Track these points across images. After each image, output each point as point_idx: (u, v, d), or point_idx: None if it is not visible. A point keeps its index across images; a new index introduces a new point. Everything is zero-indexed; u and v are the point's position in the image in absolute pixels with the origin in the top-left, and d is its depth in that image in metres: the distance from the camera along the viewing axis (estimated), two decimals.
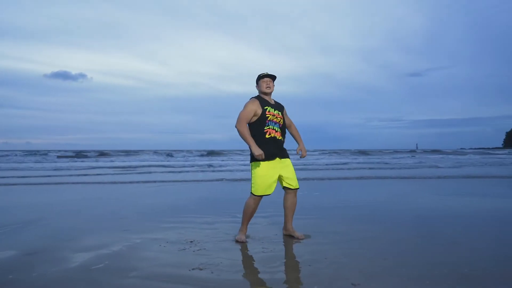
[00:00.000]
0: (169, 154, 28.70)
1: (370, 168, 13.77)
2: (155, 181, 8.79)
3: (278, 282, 2.12)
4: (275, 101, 3.18)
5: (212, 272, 2.26)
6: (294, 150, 3.34)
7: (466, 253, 2.64)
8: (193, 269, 2.32)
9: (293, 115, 3.34)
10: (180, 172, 12.22)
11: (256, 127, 3.01)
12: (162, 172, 12.26)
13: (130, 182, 8.62)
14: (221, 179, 9.05)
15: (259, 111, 2.99)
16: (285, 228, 3.22)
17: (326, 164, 16.20)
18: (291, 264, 2.47)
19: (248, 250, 2.79)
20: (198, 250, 2.77)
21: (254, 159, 3.01)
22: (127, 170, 13.03)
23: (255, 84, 3.17)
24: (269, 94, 3.11)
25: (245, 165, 15.69)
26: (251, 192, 3.03)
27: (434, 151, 43.49)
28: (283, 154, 3.09)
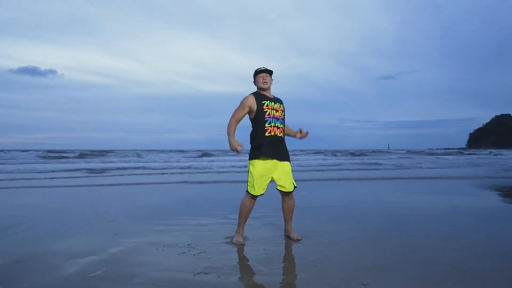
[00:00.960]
0: (141, 155, 27.96)
1: (352, 169, 14.05)
2: (138, 183, 8.54)
3: (289, 284, 2.10)
4: (274, 96, 3.13)
5: (218, 276, 2.20)
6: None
7: (459, 251, 2.73)
8: (198, 273, 2.25)
9: None
10: (164, 173, 11.93)
11: (257, 124, 2.98)
12: (143, 174, 11.93)
13: (110, 185, 8.31)
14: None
15: (255, 107, 2.95)
16: (284, 229, 3.22)
17: (320, 165, 16.23)
18: (296, 265, 2.46)
19: (249, 252, 2.75)
20: (198, 253, 2.70)
21: (252, 157, 2.97)
22: (104, 171, 12.57)
23: (252, 80, 3.13)
24: (266, 89, 3.06)
25: (232, 166, 15.57)
26: (247, 191, 2.99)
27: (424, 152, 44.73)
28: (283, 156, 3.04)
